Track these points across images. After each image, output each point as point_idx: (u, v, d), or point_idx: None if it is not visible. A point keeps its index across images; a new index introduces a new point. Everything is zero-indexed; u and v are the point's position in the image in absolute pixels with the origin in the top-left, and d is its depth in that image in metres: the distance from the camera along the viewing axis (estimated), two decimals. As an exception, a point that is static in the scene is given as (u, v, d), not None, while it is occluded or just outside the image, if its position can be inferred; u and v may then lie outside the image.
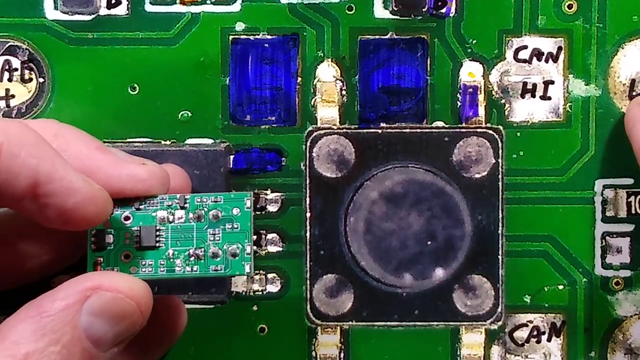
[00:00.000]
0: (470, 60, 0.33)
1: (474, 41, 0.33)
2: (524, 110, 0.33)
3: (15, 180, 0.26)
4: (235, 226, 0.29)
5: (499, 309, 0.33)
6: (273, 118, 0.33)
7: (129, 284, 0.28)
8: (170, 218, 0.29)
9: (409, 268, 0.32)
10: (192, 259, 0.29)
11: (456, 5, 0.33)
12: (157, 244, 0.29)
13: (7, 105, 0.33)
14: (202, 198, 0.29)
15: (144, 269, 0.29)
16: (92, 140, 0.29)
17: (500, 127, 0.33)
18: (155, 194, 0.29)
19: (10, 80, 0.33)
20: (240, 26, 0.33)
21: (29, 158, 0.26)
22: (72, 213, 0.27)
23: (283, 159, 0.33)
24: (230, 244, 0.29)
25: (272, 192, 0.33)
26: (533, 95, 0.33)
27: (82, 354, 0.27)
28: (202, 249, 0.29)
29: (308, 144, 0.33)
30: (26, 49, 0.33)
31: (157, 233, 0.29)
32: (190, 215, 0.29)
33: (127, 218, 0.29)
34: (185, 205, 0.29)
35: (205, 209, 0.29)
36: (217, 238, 0.29)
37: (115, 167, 0.29)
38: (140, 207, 0.29)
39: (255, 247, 0.33)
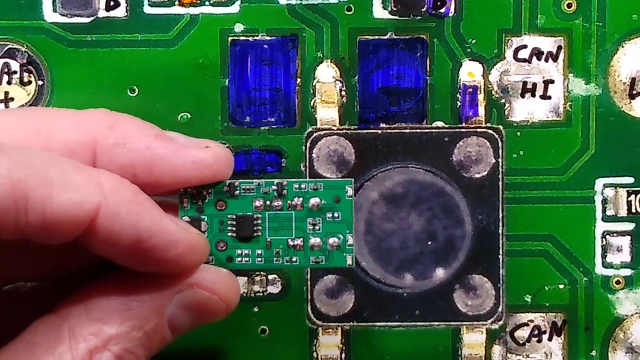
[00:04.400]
0: (469, 60, 0.33)
1: (474, 41, 0.33)
2: (524, 110, 0.33)
3: (116, 240, 0.26)
4: (336, 215, 0.28)
5: (500, 309, 0.33)
6: (273, 119, 0.33)
7: (226, 288, 0.28)
8: (268, 205, 0.28)
9: (409, 268, 0.32)
10: (291, 249, 0.28)
11: (455, 5, 0.33)
12: (255, 234, 0.28)
13: (6, 108, 0.33)
14: (301, 185, 0.28)
15: (239, 259, 0.29)
16: (150, 128, 0.28)
17: (500, 127, 0.33)
18: (222, 178, 0.28)
19: (9, 83, 0.33)
20: (239, 27, 0.33)
21: (128, 216, 0.26)
22: (174, 264, 0.27)
23: (283, 160, 0.33)
24: (330, 235, 0.28)
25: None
26: (533, 95, 0.33)
27: (159, 340, 0.27)
28: (302, 239, 0.28)
29: (308, 144, 0.33)
30: (25, 51, 0.33)
31: (255, 222, 0.28)
32: (289, 202, 0.28)
33: (221, 204, 0.28)
34: (283, 192, 0.28)
35: (304, 197, 0.28)
36: (317, 228, 0.28)
37: (178, 155, 0.28)
38: (235, 192, 0.28)
39: None
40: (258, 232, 0.28)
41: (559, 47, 0.33)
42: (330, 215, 0.28)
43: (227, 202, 0.29)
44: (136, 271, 0.27)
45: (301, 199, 0.28)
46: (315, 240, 0.28)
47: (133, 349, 0.27)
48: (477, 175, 0.33)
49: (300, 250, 0.28)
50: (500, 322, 0.33)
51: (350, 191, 0.29)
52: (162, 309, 0.27)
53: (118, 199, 0.26)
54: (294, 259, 0.29)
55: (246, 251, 0.29)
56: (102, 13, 0.33)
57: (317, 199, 0.28)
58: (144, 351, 0.27)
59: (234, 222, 0.29)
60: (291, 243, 0.28)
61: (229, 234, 0.29)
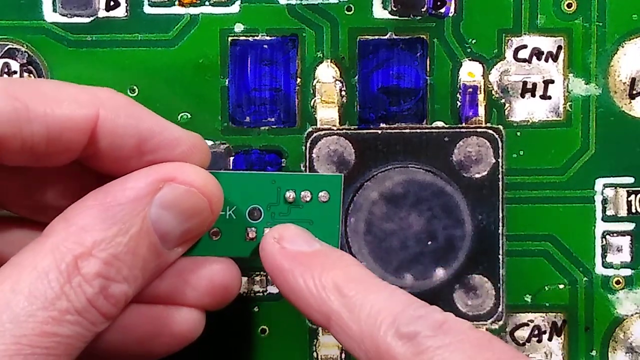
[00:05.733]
0: (469, 60, 0.33)
1: (474, 41, 0.33)
2: (524, 110, 0.33)
3: (121, 142, 0.27)
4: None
5: (500, 309, 0.33)
6: (273, 119, 0.33)
7: (204, 180, 0.28)
8: None
9: (409, 268, 0.32)
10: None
11: (455, 5, 0.33)
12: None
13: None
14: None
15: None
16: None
17: (500, 127, 0.33)
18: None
19: (9, 83, 0.33)
20: (239, 27, 0.33)
21: (128, 118, 0.27)
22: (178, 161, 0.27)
23: (283, 160, 0.33)
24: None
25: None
26: (533, 95, 0.33)
27: (148, 247, 0.27)
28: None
29: (308, 144, 0.33)
30: (25, 51, 0.33)
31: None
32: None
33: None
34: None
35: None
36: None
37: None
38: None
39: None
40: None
41: (559, 47, 0.33)
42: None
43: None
44: (114, 182, 0.27)
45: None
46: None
47: (121, 255, 0.26)
48: (477, 175, 0.33)
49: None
50: (500, 322, 0.33)
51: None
52: (143, 210, 0.27)
53: (115, 103, 0.27)
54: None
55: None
56: (102, 13, 0.33)
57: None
58: (134, 259, 0.27)
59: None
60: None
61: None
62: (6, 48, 0.33)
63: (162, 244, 0.27)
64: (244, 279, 0.33)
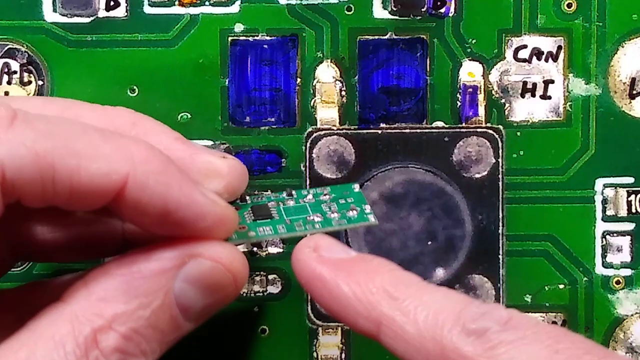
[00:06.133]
0: (469, 60, 0.33)
1: (474, 41, 0.33)
2: (524, 110, 0.33)
3: (145, 210, 0.25)
4: (349, 200, 0.29)
5: (500, 309, 0.33)
6: (273, 119, 0.33)
7: (231, 256, 0.27)
8: (281, 205, 0.29)
9: (409, 268, 0.32)
10: (310, 221, 0.29)
11: (455, 5, 0.33)
12: (272, 216, 0.29)
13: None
14: (309, 191, 0.30)
15: (262, 231, 0.28)
16: (171, 131, 0.28)
17: (500, 127, 0.33)
18: (234, 190, 0.28)
19: (9, 83, 0.33)
20: (239, 27, 0.33)
21: (157, 187, 0.25)
22: (203, 234, 0.26)
23: (283, 160, 0.33)
24: (347, 209, 0.29)
25: (272, 194, 0.33)
26: (533, 95, 0.33)
27: (169, 321, 0.26)
28: (320, 214, 0.29)
29: (308, 144, 0.33)
30: (25, 51, 0.33)
31: (271, 210, 0.29)
32: (301, 201, 0.29)
33: (236, 208, 0.28)
34: (293, 195, 0.29)
35: (315, 195, 0.30)
36: (334, 209, 0.29)
37: (193, 158, 0.28)
38: (246, 199, 0.29)
39: (255, 249, 0.33)
40: (275, 215, 0.29)
41: (559, 47, 0.33)
42: (343, 201, 0.29)
43: (241, 206, 0.29)
44: (138, 250, 0.27)
45: (312, 195, 0.29)
46: (333, 215, 0.29)
47: (141, 330, 0.26)
48: (477, 175, 0.33)
49: (321, 219, 0.29)
50: (500, 322, 0.33)
51: (357, 187, 0.30)
52: (167, 284, 0.26)
53: (147, 169, 0.25)
54: (316, 225, 0.29)
55: (268, 228, 0.29)
56: (102, 13, 0.33)
57: (327, 195, 0.30)
58: (154, 333, 0.26)
59: (251, 211, 0.29)
60: (310, 218, 0.29)
61: (248, 220, 0.29)
62: (6, 48, 0.33)
63: (183, 317, 0.27)
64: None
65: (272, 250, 0.33)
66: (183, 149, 0.28)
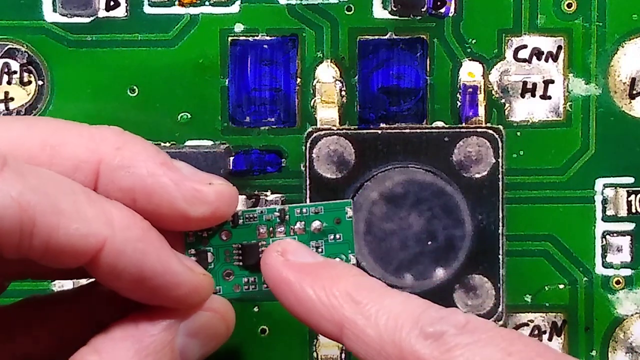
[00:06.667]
0: (469, 60, 0.33)
1: (474, 41, 0.33)
2: (524, 110, 0.33)
3: (119, 276, 0.26)
4: (338, 237, 0.29)
5: (500, 309, 0.33)
6: (273, 119, 0.33)
7: (225, 306, 0.28)
8: (271, 232, 0.29)
9: (409, 268, 0.32)
10: None
11: (455, 5, 0.33)
12: (259, 261, 0.29)
13: (7, 108, 0.33)
14: (302, 209, 0.29)
15: (246, 287, 0.29)
16: (157, 154, 0.28)
17: (500, 127, 0.33)
18: (222, 215, 0.28)
19: (9, 82, 0.33)
20: (239, 27, 0.33)
21: (134, 254, 0.26)
22: (176, 303, 0.27)
23: (283, 160, 0.33)
24: (334, 256, 0.29)
25: (272, 194, 0.33)
26: (533, 95, 0.33)
27: None
28: None
29: (308, 144, 0.33)
30: (25, 51, 0.33)
31: (260, 250, 0.29)
32: (291, 227, 0.29)
33: (226, 234, 0.29)
34: (286, 218, 0.29)
35: (306, 221, 0.29)
36: (320, 250, 0.29)
37: (178, 186, 0.27)
38: (239, 222, 0.29)
39: None
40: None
41: (559, 47, 0.33)
42: (332, 237, 0.29)
43: (232, 231, 0.29)
44: (138, 313, 0.27)
45: (303, 222, 0.29)
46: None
47: None
48: (477, 175, 0.33)
49: None
50: (500, 322, 0.33)
51: (350, 212, 0.29)
52: (172, 340, 0.27)
53: (126, 236, 0.26)
54: None
55: (252, 279, 0.29)
56: (102, 13, 0.33)
57: (318, 222, 0.29)
58: None
59: (240, 252, 0.29)
60: None
61: (235, 263, 0.29)
62: (6, 48, 0.33)
63: None
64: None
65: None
66: (168, 175, 0.27)
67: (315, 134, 0.33)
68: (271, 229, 0.29)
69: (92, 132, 0.28)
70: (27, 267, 0.28)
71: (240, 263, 0.29)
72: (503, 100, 0.33)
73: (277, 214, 0.29)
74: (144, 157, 0.27)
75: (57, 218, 0.25)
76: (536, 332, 0.34)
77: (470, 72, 0.33)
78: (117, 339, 0.26)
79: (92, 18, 0.33)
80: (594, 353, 0.34)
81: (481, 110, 0.33)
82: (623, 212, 0.33)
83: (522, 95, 0.33)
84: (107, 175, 0.27)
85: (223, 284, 0.29)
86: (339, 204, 0.29)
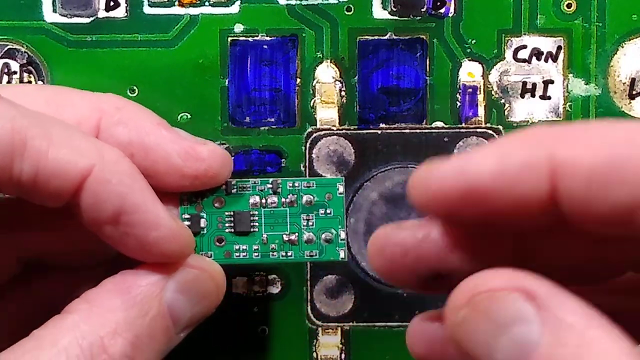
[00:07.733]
0: (469, 60, 0.33)
1: (473, 41, 0.33)
2: (524, 110, 0.33)
3: (101, 205, 0.26)
4: (329, 212, 0.30)
5: (500, 309, 0.33)
6: (272, 119, 0.33)
7: (212, 265, 0.29)
8: (263, 203, 0.30)
9: (409, 268, 0.32)
10: (286, 244, 0.30)
11: (455, 5, 0.33)
12: (252, 230, 0.29)
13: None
14: (295, 183, 0.30)
15: (237, 254, 0.30)
16: (155, 117, 0.29)
17: (500, 127, 0.33)
18: (215, 174, 0.29)
19: (9, 83, 0.33)
20: (239, 28, 0.33)
21: (119, 186, 0.26)
22: (153, 247, 0.27)
23: (283, 160, 0.33)
24: (323, 230, 0.30)
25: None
26: (533, 95, 0.33)
27: (163, 331, 0.27)
28: (296, 234, 0.30)
29: (308, 145, 0.33)
30: (25, 51, 0.33)
31: (251, 218, 0.30)
32: (283, 200, 0.30)
33: (219, 202, 0.30)
34: (278, 190, 0.30)
35: (298, 194, 0.30)
36: (311, 224, 0.30)
37: (173, 143, 0.28)
38: (232, 190, 0.30)
39: None
40: (255, 228, 0.30)
41: (559, 47, 0.33)
42: (322, 211, 0.30)
43: (225, 199, 0.30)
44: (129, 270, 0.28)
45: (295, 196, 0.30)
46: (309, 235, 0.30)
47: (142, 338, 0.27)
48: (477, 176, 0.33)
49: (295, 245, 0.30)
50: (500, 322, 0.33)
51: (341, 188, 0.30)
52: (160, 294, 0.27)
53: (114, 168, 0.26)
54: (289, 254, 0.30)
55: (244, 246, 0.30)
56: (102, 13, 0.33)
57: (310, 196, 0.30)
58: (151, 343, 0.27)
59: (232, 219, 0.30)
60: (286, 238, 0.30)
61: (227, 230, 0.30)
62: (6, 48, 0.33)
63: (174, 326, 0.28)
64: (244, 279, 0.33)
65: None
66: (163, 135, 0.29)
67: (315, 134, 0.33)
68: (263, 199, 0.30)
69: (94, 94, 0.29)
70: (36, 240, 0.29)
71: (232, 230, 0.30)
72: (503, 101, 0.33)
73: (270, 185, 0.30)
74: (143, 117, 0.29)
75: (47, 142, 0.26)
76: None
77: (470, 72, 0.33)
78: (106, 290, 0.27)
79: (92, 18, 0.33)
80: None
81: (481, 111, 0.33)
82: (623, 212, 0.33)
83: (522, 96, 0.33)
84: (107, 129, 0.28)
85: (215, 249, 0.30)
86: (331, 180, 0.30)
